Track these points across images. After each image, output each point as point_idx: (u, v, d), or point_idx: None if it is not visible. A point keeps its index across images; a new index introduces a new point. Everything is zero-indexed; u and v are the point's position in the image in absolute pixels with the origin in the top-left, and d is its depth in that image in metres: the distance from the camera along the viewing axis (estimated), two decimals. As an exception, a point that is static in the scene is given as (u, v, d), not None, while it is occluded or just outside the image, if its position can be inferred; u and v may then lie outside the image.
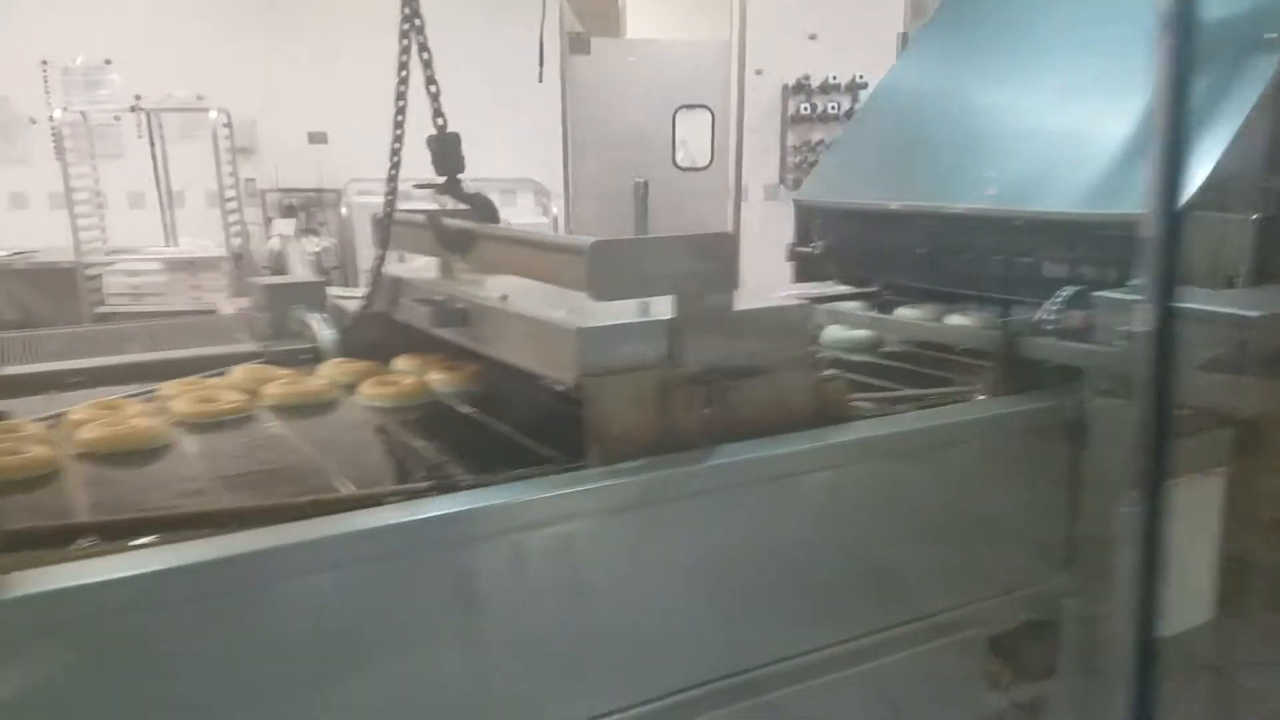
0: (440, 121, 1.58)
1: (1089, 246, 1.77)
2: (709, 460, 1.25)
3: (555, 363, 1.28)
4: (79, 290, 5.72)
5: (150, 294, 5.80)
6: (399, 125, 1.59)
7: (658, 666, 1.25)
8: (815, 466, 1.34)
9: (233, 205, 5.86)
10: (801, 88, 7.31)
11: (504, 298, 1.49)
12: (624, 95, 7.37)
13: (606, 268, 1.20)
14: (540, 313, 1.34)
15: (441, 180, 1.60)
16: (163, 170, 6.35)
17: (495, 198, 6.86)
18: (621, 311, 1.28)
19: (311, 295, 2.12)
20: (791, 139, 7.41)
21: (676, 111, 7.34)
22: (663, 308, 1.28)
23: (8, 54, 6.29)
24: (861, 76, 7.28)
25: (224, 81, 6.50)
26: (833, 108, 7.30)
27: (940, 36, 2.56)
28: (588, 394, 1.22)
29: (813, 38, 7.34)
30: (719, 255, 1.27)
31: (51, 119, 6.36)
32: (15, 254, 6.11)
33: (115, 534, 1.03)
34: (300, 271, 6.26)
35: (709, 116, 7.45)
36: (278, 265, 6.39)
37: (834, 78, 7.28)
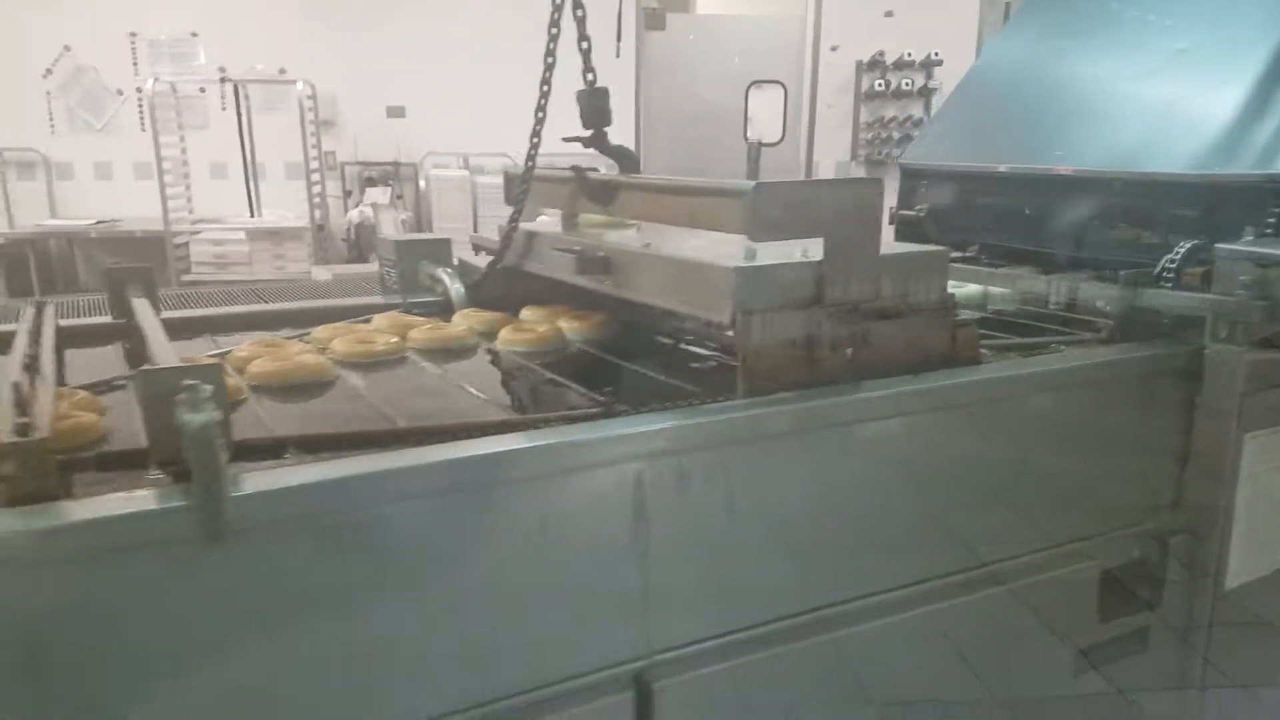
0: (590, 76, 1.65)
1: (1194, 206, 1.80)
2: (858, 393, 1.31)
3: (709, 302, 1.34)
4: (166, 258, 5.95)
5: (235, 263, 6.01)
6: (546, 82, 1.66)
7: (804, 584, 1.32)
8: (956, 403, 1.40)
9: (315, 177, 6.02)
10: (876, 64, 7.27)
11: (647, 245, 1.56)
12: (697, 71, 7.40)
13: (765, 209, 1.27)
14: (694, 255, 1.41)
15: (588, 133, 1.67)
16: (248, 142, 6.54)
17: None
18: (766, 254, 1.35)
19: (439, 251, 2.22)
20: (865, 115, 7.38)
21: (750, 87, 7.34)
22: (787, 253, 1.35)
23: (96, 27, 6.53)
24: (937, 54, 7.23)
25: (305, 56, 6.67)
26: (907, 84, 7.25)
27: (1047, 4, 2.57)
28: (741, 330, 1.29)
29: (889, 14, 7.30)
30: (867, 199, 1.33)
31: (139, 91, 6.60)
32: (101, 222, 6.36)
33: (320, 448, 1.13)
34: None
35: (781, 92, 7.43)
36: (358, 236, 6.56)
37: (909, 54, 7.23)
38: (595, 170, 1.77)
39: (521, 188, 1.88)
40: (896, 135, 7.40)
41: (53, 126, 6.60)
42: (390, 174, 6.92)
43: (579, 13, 1.62)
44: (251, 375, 1.51)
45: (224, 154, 6.72)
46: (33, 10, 6.34)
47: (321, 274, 5.41)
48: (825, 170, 7.47)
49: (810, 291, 1.33)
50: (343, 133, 6.94)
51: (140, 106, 6.64)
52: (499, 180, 7.44)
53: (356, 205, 6.67)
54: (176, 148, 6.07)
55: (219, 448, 0.89)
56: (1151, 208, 1.88)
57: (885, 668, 1.39)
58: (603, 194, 1.66)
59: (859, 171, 7.60)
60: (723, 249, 1.49)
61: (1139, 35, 2.15)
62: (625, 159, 1.68)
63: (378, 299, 2.21)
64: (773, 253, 1.38)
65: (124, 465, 1.07)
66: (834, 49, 7.42)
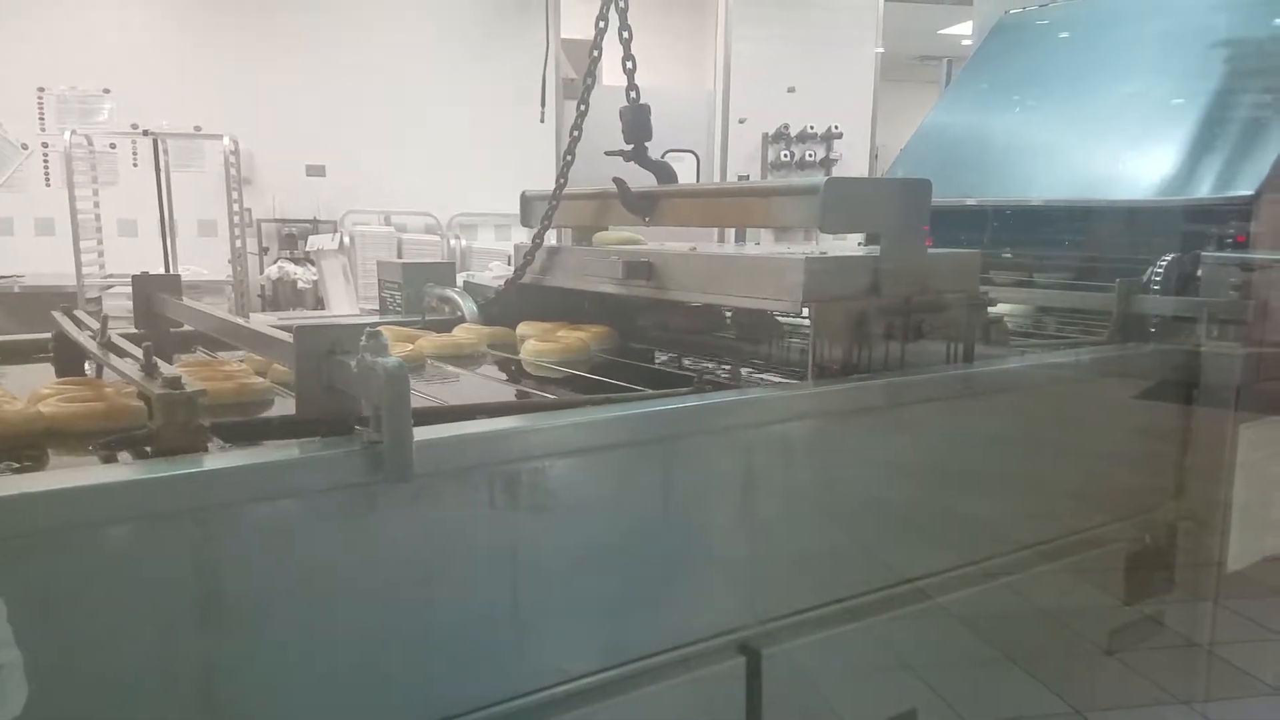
0: (633, 94, 1.74)
1: (1159, 227, 2.02)
2: (921, 375, 1.42)
3: (777, 293, 1.43)
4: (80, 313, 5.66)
5: (150, 318, 5.77)
6: (583, 101, 1.75)
7: (896, 556, 1.40)
8: (997, 389, 1.52)
9: (237, 232, 5.88)
10: (781, 136, 7.68)
11: (693, 248, 1.65)
12: (614, 137, 7.62)
13: (836, 203, 1.37)
14: (761, 252, 1.50)
15: (629, 148, 1.75)
16: (166, 197, 6.35)
17: (490, 233, 6.97)
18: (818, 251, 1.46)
19: (443, 273, 2.25)
20: (774, 182, 7.74)
21: (664, 155, 7.59)
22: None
23: (1, 81, 6.28)
24: (837, 127, 7.69)
25: (220, 114, 6.57)
26: (810, 155, 7.67)
27: (990, 64, 2.84)
28: (813, 317, 1.38)
29: (791, 90, 7.74)
30: (919, 199, 1.46)
31: (45, 146, 6.36)
32: (3, 278, 6.02)
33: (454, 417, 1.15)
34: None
35: (694, 161, 7.74)
36: (276, 292, 6.42)
37: (811, 127, 7.68)
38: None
39: (540, 211, 1.95)
40: (805, 202, 7.77)
41: (-51, 180, 6.25)
42: (310, 231, 6.82)
43: (624, 35, 1.72)
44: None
45: (134, 210, 6.50)
46: (-68, 59, 6.06)
47: (264, 319, 5.26)
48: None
49: (869, 283, 1.44)
50: (260, 191, 6.82)
51: (45, 162, 6.38)
52: (424, 237, 7.45)
53: (274, 261, 6.54)
54: (89, 201, 5.83)
55: (409, 388, 0.91)
56: (1119, 231, 2.10)
57: (961, 643, 1.47)
58: (642, 205, 1.74)
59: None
60: (761, 250, 1.60)
61: (1086, 82, 2.40)
62: (664, 172, 1.77)
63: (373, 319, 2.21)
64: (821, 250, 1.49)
65: (259, 430, 1.07)
66: (742, 121, 7.80)
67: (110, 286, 5.89)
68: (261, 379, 1.35)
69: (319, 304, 6.32)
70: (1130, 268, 1.91)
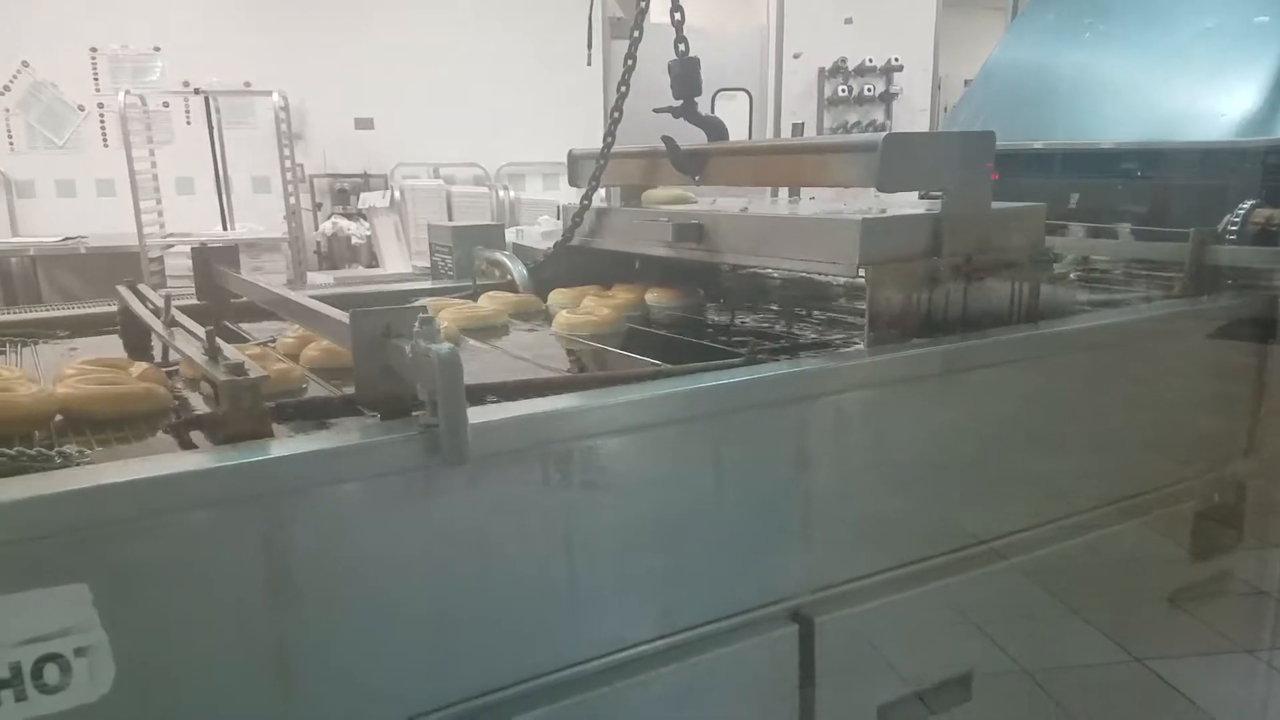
0: (681, 47, 1.70)
1: (1236, 171, 1.92)
2: (993, 338, 1.39)
3: (833, 255, 1.40)
4: (143, 273, 5.81)
5: (211, 276, 5.89)
6: (618, 106, 1.71)
7: (948, 523, 1.39)
8: (1061, 351, 1.48)
9: (290, 189, 5.95)
10: (838, 70, 7.46)
11: (744, 209, 1.62)
12: (663, 79, 7.49)
13: (894, 161, 1.33)
14: (815, 211, 1.47)
15: (678, 103, 1.72)
16: (220, 154, 6.43)
17: (538, 182, 6.96)
18: (876, 210, 1.42)
19: (493, 236, 2.25)
20: (828, 121, 7.56)
21: (715, 95, 7.46)
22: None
23: (55, 42, 6.36)
24: (896, 59, 7.45)
25: (269, 69, 6.59)
26: (869, 90, 7.45)
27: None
28: (869, 280, 1.35)
29: (848, 21, 7.50)
30: (982, 153, 1.41)
31: (100, 106, 6.46)
32: (67, 239, 6.19)
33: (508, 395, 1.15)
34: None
35: (747, 99, 7.58)
36: (331, 248, 6.50)
37: (870, 60, 7.44)
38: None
39: (587, 170, 1.93)
40: (860, 140, 7.59)
41: (11, 144, 6.41)
42: (360, 185, 6.87)
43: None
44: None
45: (190, 168, 6.60)
46: (-10, 24, 6.17)
47: (321, 279, 5.36)
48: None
49: (929, 243, 1.40)
50: (311, 145, 6.86)
51: (102, 123, 6.49)
52: (472, 189, 7.45)
53: (329, 217, 6.61)
54: (146, 162, 5.93)
55: (462, 374, 0.91)
56: (1192, 176, 2.00)
57: (1022, 603, 1.46)
58: (692, 164, 1.71)
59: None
60: (813, 210, 1.56)
61: (1161, 15, 2.28)
62: (715, 128, 1.73)
63: (426, 284, 2.23)
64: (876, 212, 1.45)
65: (318, 411, 1.09)
66: (796, 56, 7.60)
67: (171, 246, 6.02)
68: (296, 366, 1.34)
69: (373, 260, 6.39)
70: (1206, 215, 1.82)
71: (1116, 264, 1.94)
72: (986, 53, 2.98)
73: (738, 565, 1.21)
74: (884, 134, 1.32)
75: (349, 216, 6.57)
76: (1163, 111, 2.12)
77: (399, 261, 6.16)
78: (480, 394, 1.12)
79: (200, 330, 1.19)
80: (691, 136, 1.79)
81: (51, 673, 0.79)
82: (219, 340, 1.06)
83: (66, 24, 6.38)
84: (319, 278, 5.50)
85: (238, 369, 0.98)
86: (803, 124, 2.85)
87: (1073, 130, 2.29)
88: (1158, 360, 1.62)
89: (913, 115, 7.69)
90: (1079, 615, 1.55)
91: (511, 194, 7.05)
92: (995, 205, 1.50)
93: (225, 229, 6.42)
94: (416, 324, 0.94)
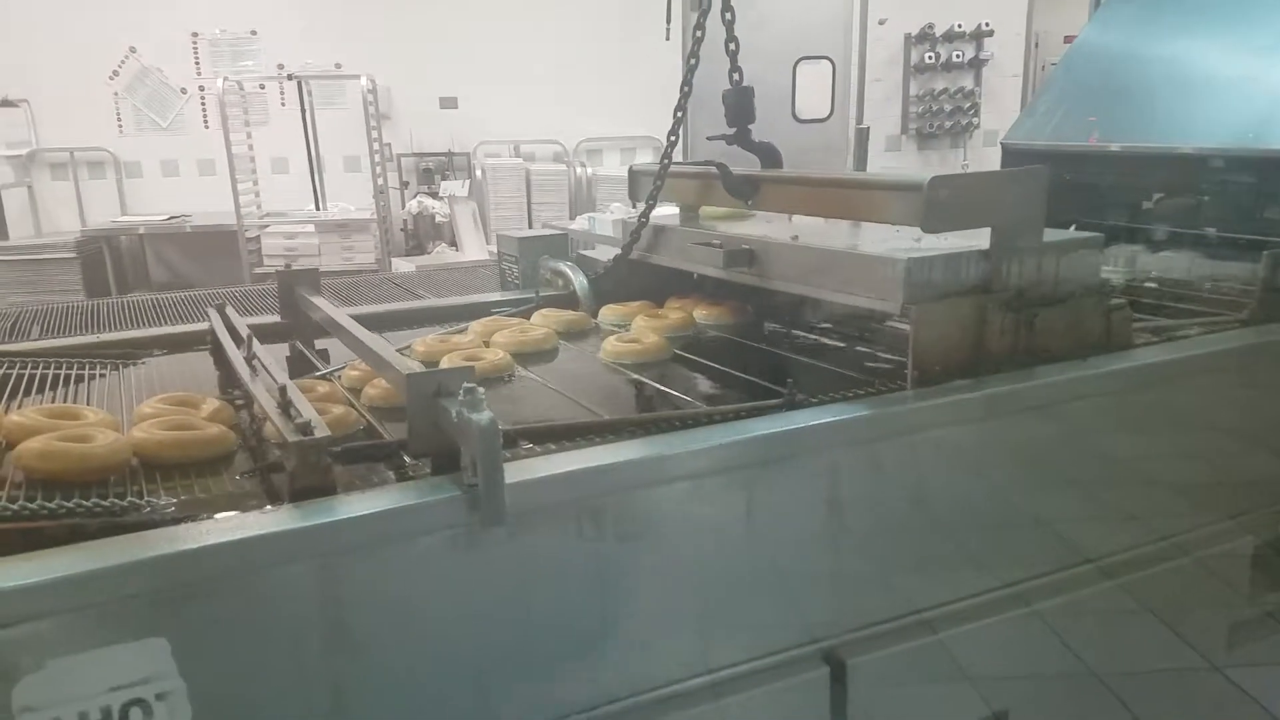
0: (736, 76, 1.71)
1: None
2: (1037, 379, 1.38)
3: (877, 291, 1.41)
4: (240, 252, 6.10)
5: (305, 255, 6.14)
6: (687, 81, 1.73)
7: (985, 564, 1.40)
8: (1121, 387, 1.46)
9: (378, 170, 6.13)
10: (925, 36, 7.24)
11: (795, 238, 1.63)
12: (744, 48, 7.38)
13: (940, 201, 1.33)
14: (852, 246, 1.48)
15: (732, 131, 1.74)
16: (312, 136, 6.65)
17: (615, 156, 6.97)
18: (928, 245, 1.42)
19: (558, 246, 2.31)
20: (914, 88, 7.36)
21: (797, 63, 7.32)
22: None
23: (158, 28, 6.65)
24: (987, 24, 7.18)
25: (357, 50, 6.77)
26: (958, 56, 7.22)
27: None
28: (913, 319, 1.36)
29: (936, -15, 7.26)
30: (1033, 189, 1.39)
31: (201, 89, 6.74)
32: (172, 218, 6.52)
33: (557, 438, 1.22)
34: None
35: (830, 68, 7.41)
36: (417, 226, 6.68)
37: (959, 26, 7.19)
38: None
39: (644, 187, 1.96)
40: (948, 108, 7.37)
41: (120, 126, 6.75)
42: (445, 164, 7.01)
43: (728, 15, 1.68)
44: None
45: (284, 149, 6.84)
46: (100, 12, 6.47)
47: (404, 266, 5.53)
48: (876, 145, 7.44)
49: (978, 279, 1.39)
50: (397, 125, 7.03)
51: (203, 105, 6.78)
52: (552, 167, 7.52)
53: (415, 196, 6.78)
54: (244, 144, 6.19)
55: (500, 443, 0.98)
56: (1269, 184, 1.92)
57: (1065, 643, 1.46)
58: (744, 190, 1.73)
59: (910, 145, 7.58)
60: (868, 238, 1.56)
61: (1252, 10, 2.17)
62: (769, 155, 1.74)
63: (495, 295, 2.29)
64: (929, 243, 1.45)
65: (375, 456, 1.18)
66: (882, 22, 7.38)
67: (267, 226, 6.27)
68: (353, 410, 1.41)
69: (454, 240, 6.54)
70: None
71: (1186, 284, 1.88)
72: (1085, 8, 2.86)
73: (770, 607, 1.25)
74: (930, 175, 1.32)
75: (433, 195, 6.73)
76: (1249, 115, 2.03)
77: (476, 248, 6.31)
78: (514, 439, 1.18)
79: (278, 372, 1.29)
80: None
81: (136, 715, 0.90)
82: (290, 393, 1.14)
83: (169, 10, 6.66)
84: (402, 265, 5.66)
85: (305, 429, 1.06)
86: (868, 129, 2.77)
87: (1153, 130, 2.21)
88: (1222, 395, 1.58)
89: (1004, 82, 7.42)
90: (1111, 669, 1.54)
91: (589, 170, 7.10)
92: (1049, 236, 1.48)
93: (318, 209, 6.65)
94: (461, 392, 1.01)
